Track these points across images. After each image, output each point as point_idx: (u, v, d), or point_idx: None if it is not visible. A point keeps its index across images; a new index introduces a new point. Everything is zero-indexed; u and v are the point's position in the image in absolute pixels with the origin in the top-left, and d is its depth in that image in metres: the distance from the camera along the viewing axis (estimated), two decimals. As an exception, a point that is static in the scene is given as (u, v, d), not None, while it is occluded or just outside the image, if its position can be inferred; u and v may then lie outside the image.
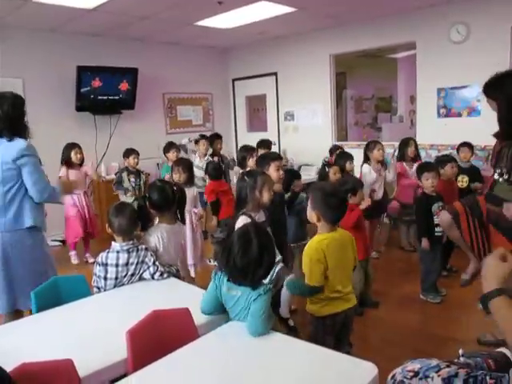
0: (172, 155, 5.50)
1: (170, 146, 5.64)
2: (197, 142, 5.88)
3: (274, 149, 7.31)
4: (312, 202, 2.29)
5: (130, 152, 5.31)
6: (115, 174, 5.46)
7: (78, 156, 4.95)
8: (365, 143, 4.88)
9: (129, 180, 5.18)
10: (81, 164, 5.02)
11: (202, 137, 5.94)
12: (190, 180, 3.95)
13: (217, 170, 4.69)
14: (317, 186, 2.66)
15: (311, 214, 2.29)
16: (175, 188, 2.84)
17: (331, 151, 5.44)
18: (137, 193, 5.17)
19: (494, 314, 1.32)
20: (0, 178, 2.62)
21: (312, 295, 2.26)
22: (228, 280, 1.86)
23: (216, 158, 5.85)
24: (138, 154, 5.36)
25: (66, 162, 4.90)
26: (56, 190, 2.81)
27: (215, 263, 4.71)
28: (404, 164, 4.83)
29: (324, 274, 2.20)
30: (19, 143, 2.63)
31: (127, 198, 5.06)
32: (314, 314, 2.30)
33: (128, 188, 5.15)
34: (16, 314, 2.71)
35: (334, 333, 2.30)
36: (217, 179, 4.62)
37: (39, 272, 2.72)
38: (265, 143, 5.40)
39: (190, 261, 3.77)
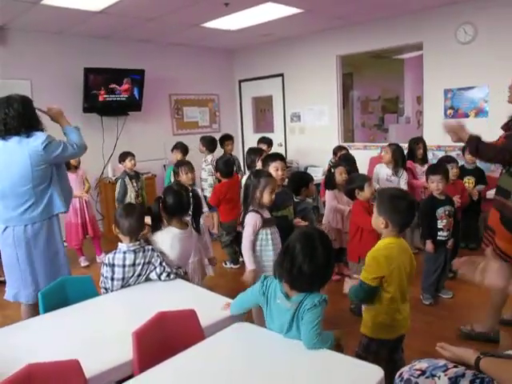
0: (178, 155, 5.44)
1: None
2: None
3: (281, 150, 7.35)
4: (378, 207, 2.18)
5: (125, 155, 5.20)
6: (115, 181, 5.33)
7: (77, 158, 4.94)
8: (371, 144, 4.87)
9: (132, 186, 5.11)
10: (77, 166, 4.99)
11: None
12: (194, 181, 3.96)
13: (228, 165, 4.46)
14: (383, 190, 2.53)
15: (377, 221, 2.16)
16: (191, 194, 2.84)
17: (335, 152, 5.41)
18: (139, 196, 5.14)
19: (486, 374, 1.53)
20: (30, 176, 2.71)
21: (366, 296, 2.12)
22: (281, 290, 1.77)
23: None
24: (134, 156, 5.25)
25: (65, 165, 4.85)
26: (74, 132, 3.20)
27: (231, 265, 4.70)
28: (413, 163, 4.82)
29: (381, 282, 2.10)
30: (39, 136, 2.75)
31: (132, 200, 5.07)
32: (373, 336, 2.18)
33: (131, 196, 5.08)
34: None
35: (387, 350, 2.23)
36: (228, 176, 4.44)
37: (56, 258, 2.86)
38: (266, 140, 5.69)
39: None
